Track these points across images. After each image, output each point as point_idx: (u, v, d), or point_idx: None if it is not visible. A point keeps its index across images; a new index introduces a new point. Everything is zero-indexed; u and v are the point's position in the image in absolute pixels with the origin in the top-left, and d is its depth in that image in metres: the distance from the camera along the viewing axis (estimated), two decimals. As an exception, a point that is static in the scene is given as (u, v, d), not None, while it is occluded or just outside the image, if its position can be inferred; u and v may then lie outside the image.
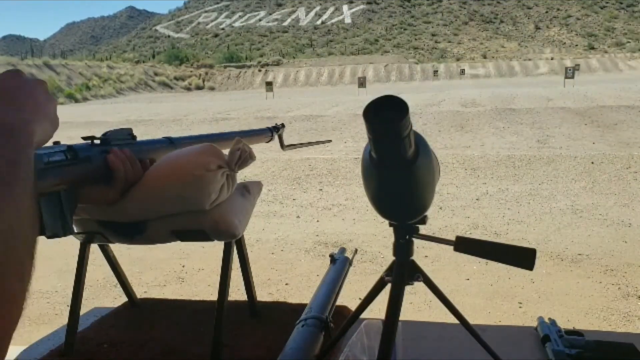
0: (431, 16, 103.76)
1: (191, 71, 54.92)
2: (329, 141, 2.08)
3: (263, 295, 3.13)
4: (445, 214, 4.80)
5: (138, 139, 0.99)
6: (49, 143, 0.70)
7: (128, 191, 0.94)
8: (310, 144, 1.72)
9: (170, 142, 1.06)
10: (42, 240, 0.71)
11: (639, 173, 6.19)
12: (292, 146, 1.58)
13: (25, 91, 0.55)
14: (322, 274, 1.30)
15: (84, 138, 0.88)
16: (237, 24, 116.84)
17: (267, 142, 1.47)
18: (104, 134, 0.90)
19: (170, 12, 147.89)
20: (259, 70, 56.39)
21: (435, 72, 48.38)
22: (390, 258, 0.91)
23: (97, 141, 0.87)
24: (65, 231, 0.70)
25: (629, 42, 76.78)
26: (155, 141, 1.04)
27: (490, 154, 7.85)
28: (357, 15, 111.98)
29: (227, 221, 1.11)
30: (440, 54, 77.30)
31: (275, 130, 1.45)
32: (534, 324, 1.21)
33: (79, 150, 0.78)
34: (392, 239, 0.88)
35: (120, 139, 0.91)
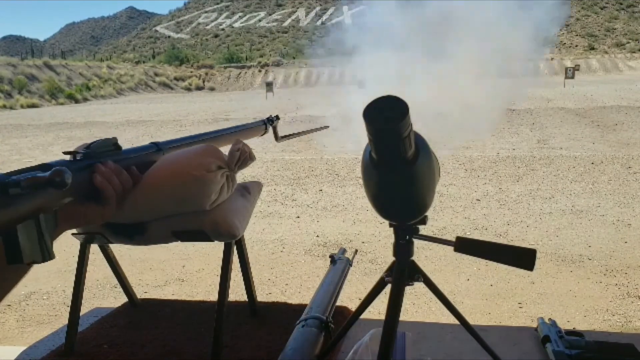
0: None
1: (191, 71, 54.90)
2: (326, 127, 1.95)
3: (263, 295, 3.13)
4: (445, 215, 4.80)
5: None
6: (33, 149, 0.67)
7: (128, 194, 0.92)
8: (305, 132, 1.66)
9: (157, 148, 1.02)
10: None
11: (639, 173, 6.19)
12: (287, 137, 1.55)
13: None
14: (322, 274, 1.30)
15: (66, 153, 0.83)
16: (237, 25, 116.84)
17: (262, 135, 1.45)
18: (87, 147, 0.83)
19: (171, 13, 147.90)
20: (259, 71, 56.37)
21: (435, 72, 48.32)
22: (390, 258, 0.91)
23: (80, 156, 0.80)
24: (45, 257, 0.64)
25: (629, 42, 76.78)
26: (140, 148, 1.00)
27: (490, 154, 7.85)
28: (357, 16, 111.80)
29: (227, 222, 1.11)
30: (440, 55, 77.15)
31: (269, 123, 1.44)
32: (534, 324, 1.21)
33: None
34: (392, 239, 0.88)
35: (103, 151, 0.84)
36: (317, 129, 1.72)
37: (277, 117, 1.48)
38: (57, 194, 0.67)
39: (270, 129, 1.46)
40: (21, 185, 0.60)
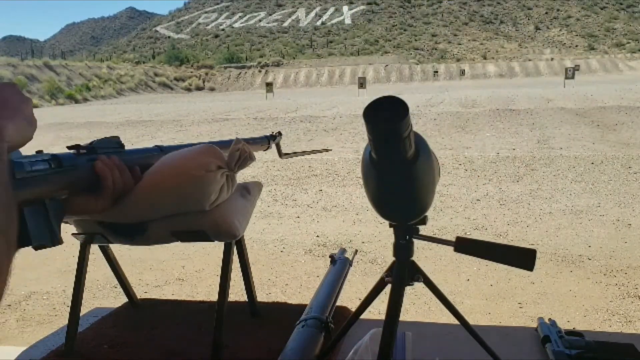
0: (431, 17, 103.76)
1: (191, 72, 54.92)
2: (329, 150, 2.07)
3: (263, 296, 3.14)
4: (445, 215, 4.80)
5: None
6: (31, 151, 0.69)
7: (127, 193, 0.93)
8: (308, 152, 1.72)
9: (161, 151, 1.05)
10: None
11: (639, 173, 6.19)
12: (290, 155, 1.57)
13: None
14: (322, 274, 1.30)
15: (69, 147, 0.86)
16: (237, 25, 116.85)
17: (265, 150, 1.45)
18: (90, 143, 0.86)
19: (171, 13, 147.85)
20: (259, 71, 56.39)
21: (435, 72, 48.39)
22: (390, 259, 0.91)
23: (83, 150, 0.85)
24: (54, 241, 0.67)
25: (629, 42, 76.79)
26: (145, 150, 1.02)
27: (490, 154, 7.85)
28: (357, 15, 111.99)
29: (227, 222, 1.11)
30: (440, 55, 77.28)
31: (272, 139, 1.45)
32: (534, 324, 1.20)
33: (64, 159, 0.76)
34: (392, 239, 0.88)
35: (107, 147, 0.88)
36: (320, 150, 1.83)
37: (280, 134, 1.49)
38: (60, 182, 0.71)
39: (274, 146, 1.46)
40: (26, 170, 0.65)
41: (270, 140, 1.43)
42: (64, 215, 0.76)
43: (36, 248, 0.66)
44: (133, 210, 1.00)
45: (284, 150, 1.52)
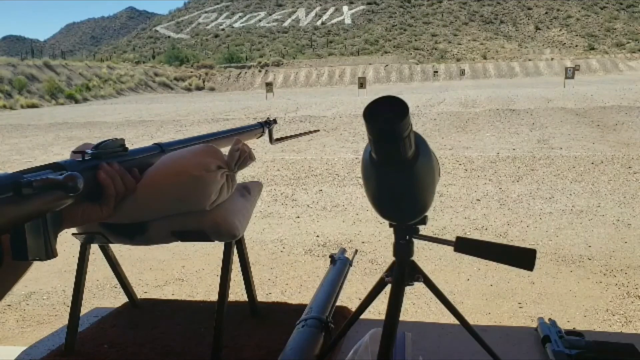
0: (431, 17, 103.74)
1: (191, 72, 54.90)
2: (317, 131, 2.06)
3: (263, 295, 3.13)
4: (445, 215, 4.80)
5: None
6: (33, 150, 0.68)
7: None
8: (298, 135, 1.71)
9: (160, 149, 1.05)
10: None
11: (639, 173, 6.18)
12: (281, 139, 1.57)
13: None
14: (322, 274, 1.30)
15: (75, 152, 0.85)
16: (237, 25, 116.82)
17: (258, 137, 1.47)
18: (96, 147, 0.86)
19: (171, 13, 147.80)
20: (259, 71, 56.37)
21: (435, 72, 48.40)
22: (390, 259, 0.91)
23: (88, 157, 0.83)
24: (48, 255, 0.66)
25: (629, 42, 76.78)
26: (145, 149, 1.02)
27: (490, 154, 7.84)
28: (357, 15, 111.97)
29: (228, 221, 1.11)
30: (440, 55, 77.27)
31: (266, 125, 1.46)
32: (534, 324, 1.21)
33: (68, 168, 0.75)
34: (392, 239, 0.88)
35: (111, 152, 0.87)
36: (309, 132, 1.77)
37: (275, 121, 1.50)
38: (65, 195, 0.69)
39: (267, 132, 1.47)
40: (33, 186, 0.61)
41: (264, 126, 1.45)
42: (63, 227, 0.75)
43: (30, 261, 0.65)
44: (133, 210, 1.00)
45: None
